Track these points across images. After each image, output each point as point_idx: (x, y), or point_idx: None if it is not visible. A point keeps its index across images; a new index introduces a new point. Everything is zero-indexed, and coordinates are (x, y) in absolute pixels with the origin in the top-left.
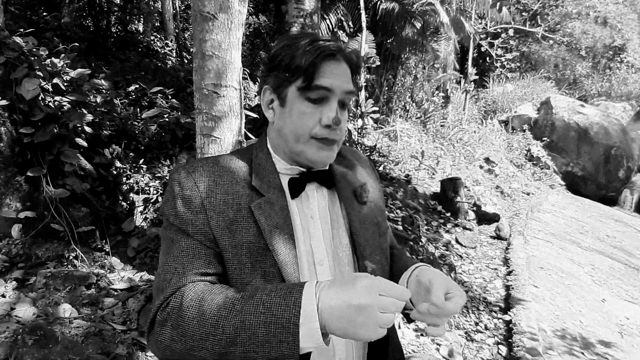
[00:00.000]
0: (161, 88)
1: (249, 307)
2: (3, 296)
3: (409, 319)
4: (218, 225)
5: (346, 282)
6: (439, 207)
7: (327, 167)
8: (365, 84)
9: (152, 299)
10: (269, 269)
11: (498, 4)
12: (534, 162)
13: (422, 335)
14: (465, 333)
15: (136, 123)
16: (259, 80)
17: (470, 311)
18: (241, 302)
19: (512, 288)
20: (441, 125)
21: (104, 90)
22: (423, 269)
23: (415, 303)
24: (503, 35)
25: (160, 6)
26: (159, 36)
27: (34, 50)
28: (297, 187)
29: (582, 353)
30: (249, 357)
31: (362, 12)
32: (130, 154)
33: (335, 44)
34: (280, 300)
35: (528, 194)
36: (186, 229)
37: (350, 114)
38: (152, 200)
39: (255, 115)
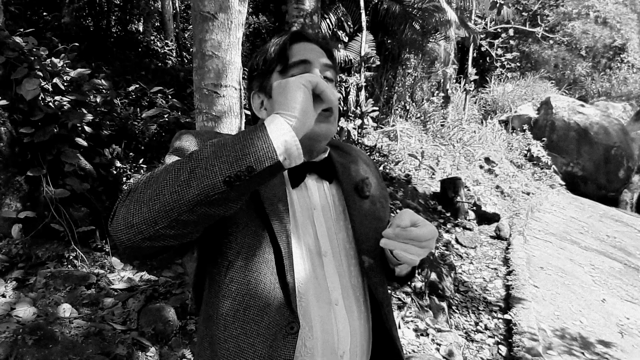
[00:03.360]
0: (161, 88)
1: (217, 141)
2: (3, 296)
3: (399, 281)
4: None
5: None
6: (439, 207)
7: (326, 154)
8: (365, 84)
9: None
10: (261, 232)
11: (497, 5)
12: (534, 162)
13: (422, 335)
14: (465, 333)
15: (136, 123)
16: (246, 91)
17: (470, 311)
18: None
19: (512, 288)
20: (441, 125)
21: (104, 90)
22: None
23: (386, 234)
24: (503, 35)
25: (160, 6)
26: (159, 36)
27: (34, 50)
28: (296, 175)
29: (582, 353)
30: (220, 162)
31: (362, 12)
32: (130, 154)
33: (296, 30)
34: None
35: (528, 194)
36: None
37: (351, 114)
38: None
39: None
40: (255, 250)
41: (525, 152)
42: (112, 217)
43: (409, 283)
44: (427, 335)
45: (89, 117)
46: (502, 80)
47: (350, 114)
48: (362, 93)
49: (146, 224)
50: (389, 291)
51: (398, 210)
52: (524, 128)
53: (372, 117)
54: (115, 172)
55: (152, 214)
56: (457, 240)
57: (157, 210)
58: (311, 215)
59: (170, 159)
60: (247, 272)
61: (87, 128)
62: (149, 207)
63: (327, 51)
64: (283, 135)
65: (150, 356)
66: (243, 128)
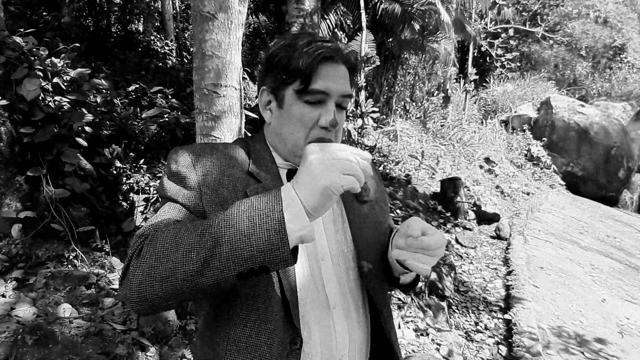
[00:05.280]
0: (161, 88)
1: (231, 210)
2: (3, 296)
3: (403, 288)
4: (211, 202)
5: (303, 162)
6: (439, 207)
7: None
8: (365, 83)
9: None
10: None
11: (497, 6)
12: (534, 162)
13: (422, 335)
14: (465, 333)
15: (136, 123)
16: (257, 80)
17: (470, 311)
18: (223, 212)
19: (512, 288)
20: (441, 125)
21: (104, 90)
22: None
23: (396, 244)
24: (503, 35)
25: (160, 6)
26: (159, 36)
27: (34, 50)
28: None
29: (582, 352)
30: (235, 257)
31: (362, 12)
32: (130, 154)
33: (333, 45)
34: (260, 198)
35: (528, 194)
36: (178, 199)
37: (350, 114)
38: (152, 200)
39: (255, 116)
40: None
41: (525, 152)
42: (123, 277)
43: (413, 290)
44: (427, 335)
45: (89, 117)
46: (502, 80)
47: (350, 114)
48: (362, 93)
49: (159, 300)
50: (389, 292)
51: (398, 211)
52: (524, 128)
53: (372, 117)
54: (115, 172)
55: (165, 294)
56: (457, 240)
57: (170, 291)
58: None
59: (169, 185)
60: (256, 298)
61: (87, 128)
62: (162, 288)
63: (352, 73)
64: (301, 231)
65: (150, 356)
66: (243, 128)
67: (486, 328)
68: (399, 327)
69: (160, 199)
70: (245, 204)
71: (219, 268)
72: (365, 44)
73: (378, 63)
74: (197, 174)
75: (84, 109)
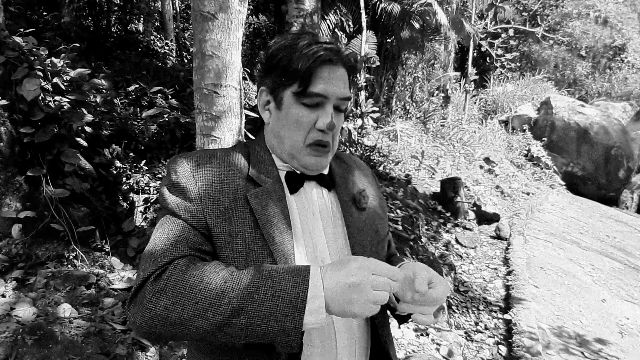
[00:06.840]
0: (161, 88)
1: (257, 280)
2: (3, 296)
3: (400, 319)
4: (212, 213)
5: (342, 263)
6: (439, 207)
7: (326, 172)
8: (365, 84)
9: (139, 268)
10: (264, 259)
11: (494, 7)
12: (534, 162)
13: (422, 335)
14: (465, 333)
15: (136, 123)
16: (257, 80)
17: (470, 311)
18: (248, 275)
19: (512, 288)
20: (441, 125)
21: (104, 90)
22: (406, 264)
23: (402, 297)
24: (503, 35)
25: (160, 6)
26: (159, 36)
27: (34, 50)
28: (295, 181)
29: (582, 353)
30: (249, 331)
31: (362, 12)
32: (130, 154)
33: (333, 47)
34: (289, 277)
35: (528, 194)
36: (179, 214)
37: (350, 114)
38: (152, 200)
39: (255, 115)
40: None
41: (525, 152)
42: (132, 299)
43: (408, 321)
44: (427, 335)
45: (89, 117)
46: (502, 80)
47: (350, 114)
48: (362, 93)
49: (166, 336)
50: None
51: (398, 211)
52: (524, 128)
53: (372, 117)
54: (115, 172)
55: (172, 335)
56: (457, 240)
57: (178, 334)
58: (310, 220)
59: (170, 197)
60: None
61: (87, 128)
62: (172, 330)
63: (351, 75)
64: (315, 324)
65: (150, 356)
66: (243, 128)
67: (486, 328)
68: (399, 327)
69: (160, 208)
70: (273, 279)
71: (230, 335)
72: (365, 44)
73: (378, 63)
74: (197, 184)
75: (84, 109)
